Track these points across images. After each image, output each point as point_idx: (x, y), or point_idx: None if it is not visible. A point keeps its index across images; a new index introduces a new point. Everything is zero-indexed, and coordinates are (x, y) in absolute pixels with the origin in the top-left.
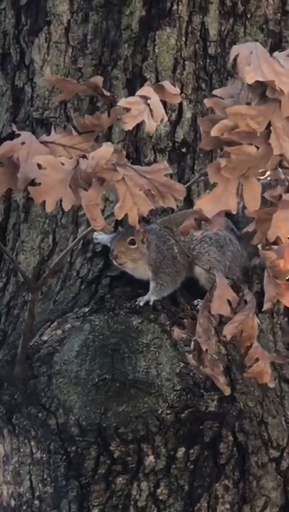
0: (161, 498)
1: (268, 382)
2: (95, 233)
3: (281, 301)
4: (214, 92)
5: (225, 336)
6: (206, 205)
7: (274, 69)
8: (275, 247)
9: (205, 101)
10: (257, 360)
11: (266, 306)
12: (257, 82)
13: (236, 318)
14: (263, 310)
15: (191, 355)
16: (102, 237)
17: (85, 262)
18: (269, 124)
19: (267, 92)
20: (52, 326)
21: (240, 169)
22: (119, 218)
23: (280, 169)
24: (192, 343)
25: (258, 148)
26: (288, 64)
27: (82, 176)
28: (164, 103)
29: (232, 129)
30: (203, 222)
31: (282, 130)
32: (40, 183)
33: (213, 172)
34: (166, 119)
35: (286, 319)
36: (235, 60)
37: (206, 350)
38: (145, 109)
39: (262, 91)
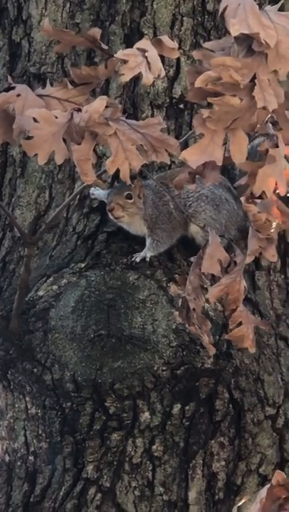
0: (156, 454)
1: (249, 347)
2: (92, 188)
3: (264, 255)
4: (204, 45)
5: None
6: (191, 155)
7: (261, 22)
8: (258, 200)
9: (194, 53)
10: (240, 324)
11: (249, 259)
12: (243, 34)
13: (222, 281)
14: (245, 263)
15: (177, 312)
16: (98, 193)
17: (81, 218)
18: (254, 77)
19: (253, 45)
20: (48, 281)
21: (225, 121)
22: (111, 173)
23: (269, 124)
24: (180, 300)
25: (241, 100)
26: (278, 18)
27: (75, 130)
28: (162, 59)
29: (216, 80)
30: (199, 178)
31: (267, 83)
32: (32, 137)
33: (198, 123)
34: (163, 73)
35: (283, 276)
36: (223, 12)
37: (194, 308)
38: (143, 62)
39: (248, 44)
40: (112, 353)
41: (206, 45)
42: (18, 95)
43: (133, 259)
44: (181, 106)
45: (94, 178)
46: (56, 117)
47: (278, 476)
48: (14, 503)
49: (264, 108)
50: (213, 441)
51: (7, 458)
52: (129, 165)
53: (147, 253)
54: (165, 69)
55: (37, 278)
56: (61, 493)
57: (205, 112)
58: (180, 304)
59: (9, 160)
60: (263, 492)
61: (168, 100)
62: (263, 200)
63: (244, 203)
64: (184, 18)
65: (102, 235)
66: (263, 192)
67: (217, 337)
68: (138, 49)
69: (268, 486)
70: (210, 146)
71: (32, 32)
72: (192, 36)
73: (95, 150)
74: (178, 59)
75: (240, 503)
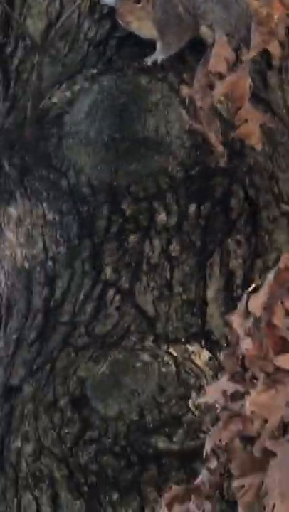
0: (173, 254)
1: (255, 145)
2: None
3: (268, 49)
4: None
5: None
6: None
7: None
8: None
9: None
10: (246, 121)
11: (251, 53)
12: None
13: (228, 79)
14: (249, 58)
15: (185, 111)
16: None
17: (92, 24)
18: None
19: None
20: (61, 88)
21: None
22: None
23: None
24: (187, 98)
25: None
26: None
27: None
28: None
29: None
30: None
31: None
32: None
33: None
34: None
35: None
36: None
37: (201, 107)
38: None
39: None
40: (126, 156)
41: None
42: None
43: (144, 62)
44: None
45: None
46: None
47: (286, 260)
48: (35, 307)
49: None
50: (229, 240)
51: (26, 264)
52: None
53: (159, 56)
54: None
55: (50, 86)
56: (81, 296)
57: None
58: (188, 102)
59: None
60: (271, 276)
61: None
62: None
63: None
64: None
65: (113, 40)
66: None
67: (230, 137)
68: None
69: (276, 269)
70: None
71: None
72: None
73: None
74: None
75: (250, 289)
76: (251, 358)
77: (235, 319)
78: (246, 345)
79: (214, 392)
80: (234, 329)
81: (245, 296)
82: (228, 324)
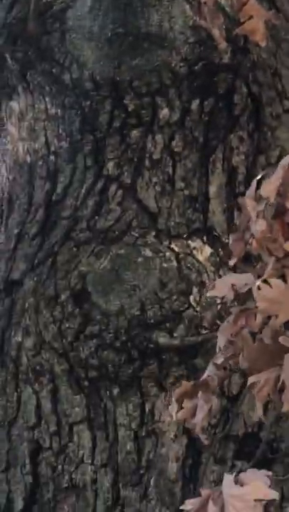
0: (176, 150)
1: (259, 41)
2: None
3: None
4: None
5: None
6: None
7: None
8: None
9: None
10: (251, 17)
11: None
12: None
13: None
14: None
15: (189, 6)
16: None
17: None
18: None
19: None
20: None
21: None
22: None
23: None
24: None
25: None
26: None
27: None
28: None
29: None
30: None
31: None
32: None
33: None
34: None
35: None
36: None
37: (205, 2)
38: None
39: None
40: (129, 51)
41: None
42: None
43: None
44: None
45: None
46: None
47: None
48: (36, 202)
49: None
50: (232, 136)
51: (28, 159)
52: None
53: None
54: None
55: None
56: (83, 191)
57: None
58: None
59: None
60: (285, 161)
61: None
62: None
63: None
64: None
65: None
66: None
67: (234, 33)
68: None
69: None
70: None
71: None
72: None
73: None
74: None
75: (258, 177)
76: (261, 240)
77: (249, 202)
78: (259, 226)
79: (222, 286)
80: (246, 211)
81: (254, 181)
82: (229, 220)
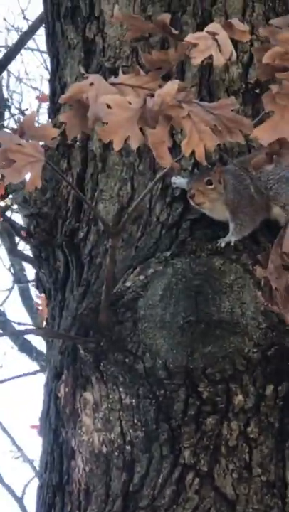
0: (252, 436)
1: None
2: (173, 178)
3: None
4: (271, 22)
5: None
6: (263, 133)
7: None
8: None
9: (260, 30)
10: None
11: None
12: None
13: None
14: None
15: (260, 293)
16: (180, 181)
17: (164, 207)
18: None
19: None
20: (134, 271)
21: None
22: (187, 155)
23: None
24: (262, 280)
25: None
26: None
27: (150, 115)
28: (236, 45)
29: (283, 55)
30: (277, 159)
31: None
32: (107, 123)
33: (268, 100)
34: (234, 55)
35: None
36: None
37: (276, 288)
38: (213, 44)
39: None
40: (202, 339)
41: (273, 21)
42: (92, 84)
43: (218, 244)
44: (257, 91)
45: (170, 160)
46: (130, 103)
47: None
48: (114, 492)
49: None
50: None
51: (104, 449)
52: (204, 145)
53: (232, 238)
54: (239, 55)
55: (124, 269)
56: (160, 480)
57: (274, 88)
58: (263, 283)
59: (90, 155)
60: None
61: (243, 86)
62: None
63: None
64: (255, 4)
65: (186, 222)
66: None
67: None
68: (208, 32)
69: None
70: (281, 123)
71: (105, 27)
72: (264, 21)
73: (171, 134)
74: (251, 44)
75: None
76: None
77: None
78: None
79: None
80: None
81: None
82: None
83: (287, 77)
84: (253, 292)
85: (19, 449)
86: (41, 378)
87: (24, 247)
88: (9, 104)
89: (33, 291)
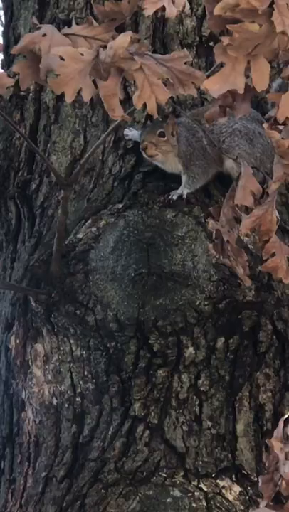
0: (202, 389)
1: (283, 278)
2: (126, 130)
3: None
4: None
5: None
6: (213, 84)
7: None
8: (281, 127)
9: None
10: (273, 254)
11: (274, 186)
12: None
13: (254, 213)
14: (273, 190)
15: (211, 245)
16: (132, 133)
17: (116, 159)
18: (272, 2)
19: None
20: (86, 223)
21: (245, 48)
22: (138, 108)
23: None
24: (214, 232)
25: (261, 26)
26: None
27: (102, 67)
28: None
29: (234, 6)
30: (230, 112)
31: (286, 8)
32: (59, 75)
33: (219, 52)
34: (188, 7)
35: None
36: None
37: (228, 240)
38: None
39: None
40: (153, 291)
41: None
42: (44, 35)
43: (170, 197)
44: (211, 44)
45: (121, 113)
46: (82, 54)
47: None
48: (64, 444)
49: (283, 33)
50: (258, 373)
51: (54, 401)
52: (156, 99)
53: (184, 190)
54: (193, 7)
55: (76, 221)
56: (110, 432)
57: (225, 40)
58: (214, 236)
59: (43, 106)
60: None
61: (198, 39)
62: (287, 126)
63: (267, 129)
64: None
65: (138, 175)
66: (287, 118)
67: (258, 270)
68: None
69: None
70: (232, 75)
71: None
72: None
73: (124, 86)
74: None
75: (285, 416)
76: None
77: (276, 443)
78: (287, 468)
79: None
80: (274, 453)
81: (281, 422)
82: (257, 457)
83: (238, 29)
84: (204, 245)
85: None
86: None
87: None
88: None
89: None
